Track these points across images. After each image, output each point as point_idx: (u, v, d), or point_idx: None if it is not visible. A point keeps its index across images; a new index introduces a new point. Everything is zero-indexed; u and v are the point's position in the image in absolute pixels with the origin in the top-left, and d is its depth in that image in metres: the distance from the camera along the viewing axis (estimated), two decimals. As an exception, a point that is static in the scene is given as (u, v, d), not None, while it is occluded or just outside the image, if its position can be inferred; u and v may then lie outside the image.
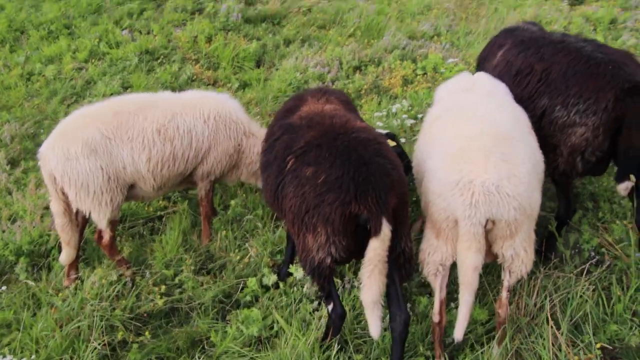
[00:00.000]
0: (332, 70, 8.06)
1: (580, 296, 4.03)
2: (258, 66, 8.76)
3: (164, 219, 5.81)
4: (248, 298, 4.56)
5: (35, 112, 7.53)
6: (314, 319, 4.16)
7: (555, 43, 4.48)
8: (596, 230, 4.83)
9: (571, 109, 4.12)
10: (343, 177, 3.31)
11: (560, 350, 3.67)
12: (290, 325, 4.07)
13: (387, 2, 10.61)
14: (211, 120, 4.93)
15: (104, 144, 4.53)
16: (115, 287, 4.69)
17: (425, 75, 7.94)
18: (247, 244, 5.10)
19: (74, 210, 4.76)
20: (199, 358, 4.07)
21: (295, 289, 4.47)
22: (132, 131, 4.61)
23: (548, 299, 3.99)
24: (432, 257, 3.61)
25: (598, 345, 3.69)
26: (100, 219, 4.64)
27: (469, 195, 3.29)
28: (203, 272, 5.01)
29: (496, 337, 3.76)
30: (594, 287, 4.16)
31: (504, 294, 3.64)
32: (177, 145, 4.76)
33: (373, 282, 3.35)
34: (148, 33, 9.32)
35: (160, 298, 4.61)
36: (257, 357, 3.92)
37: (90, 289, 4.61)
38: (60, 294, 4.56)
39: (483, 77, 4.36)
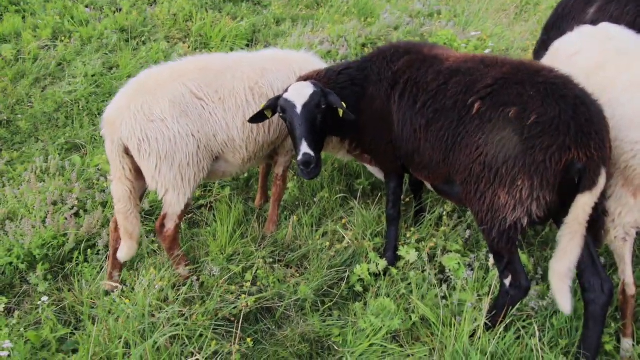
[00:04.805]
0: (341, 48, 7.40)
1: None
2: (248, 45, 7.96)
3: (201, 210, 4.90)
4: (358, 288, 3.83)
5: (1, 97, 6.24)
6: (450, 304, 3.51)
7: None
8: None
9: None
10: (561, 117, 2.69)
11: None
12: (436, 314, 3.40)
13: (368, -17, 10.09)
14: None
15: (194, 104, 3.66)
16: (179, 290, 3.80)
17: (438, 52, 7.49)
18: (337, 228, 4.34)
19: (141, 192, 3.87)
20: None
21: (412, 273, 3.79)
22: (223, 90, 3.77)
23: None
24: (624, 219, 3.05)
25: None
26: (179, 201, 3.74)
27: None
28: (280, 265, 4.20)
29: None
30: None
31: None
32: None
33: (575, 247, 2.78)
34: (117, 11, 8.18)
35: (244, 298, 3.76)
36: (412, 352, 3.20)
37: (152, 294, 3.67)
38: (127, 300, 3.56)
39: (611, 25, 3.87)
